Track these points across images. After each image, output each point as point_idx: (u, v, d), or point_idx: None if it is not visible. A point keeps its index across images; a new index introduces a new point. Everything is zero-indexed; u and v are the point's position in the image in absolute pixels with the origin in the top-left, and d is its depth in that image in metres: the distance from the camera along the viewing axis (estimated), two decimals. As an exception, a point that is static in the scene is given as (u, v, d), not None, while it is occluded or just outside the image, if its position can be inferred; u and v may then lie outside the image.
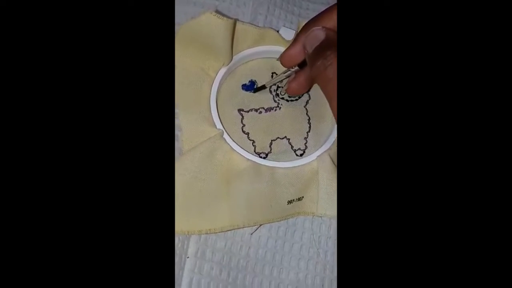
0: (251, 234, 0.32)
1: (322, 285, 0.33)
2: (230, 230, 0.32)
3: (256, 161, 0.33)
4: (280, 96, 0.37)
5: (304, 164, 0.33)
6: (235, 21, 0.34)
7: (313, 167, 0.33)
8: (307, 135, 0.36)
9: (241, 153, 0.33)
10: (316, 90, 0.38)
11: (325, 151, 0.34)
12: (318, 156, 0.34)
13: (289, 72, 0.33)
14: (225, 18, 0.32)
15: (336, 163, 0.34)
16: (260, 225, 0.32)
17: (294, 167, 0.33)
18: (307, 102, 0.38)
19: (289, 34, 0.37)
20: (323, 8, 0.41)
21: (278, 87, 0.38)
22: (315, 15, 0.36)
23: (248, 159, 0.33)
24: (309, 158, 0.34)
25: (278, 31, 0.37)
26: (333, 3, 0.41)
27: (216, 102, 0.35)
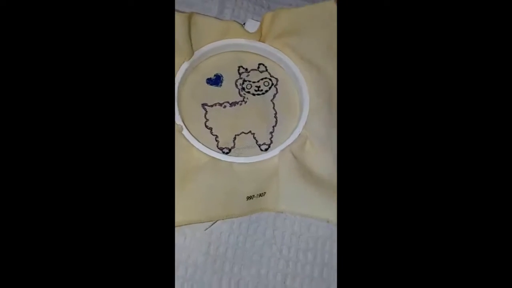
0: (205, 230, 0.30)
1: (284, 282, 0.30)
2: (183, 225, 0.30)
3: (216, 157, 0.31)
4: (246, 90, 0.35)
5: (265, 160, 0.31)
6: (190, 14, 0.32)
7: (275, 163, 0.31)
8: (273, 129, 0.34)
9: (200, 149, 0.31)
10: (284, 83, 0.35)
11: (287, 146, 0.31)
12: (280, 151, 0.31)
13: None
14: (177, 13, 0.30)
15: (298, 158, 0.31)
16: (216, 221, 0.30)
17: (255, 162, 0.31)
18: (274, 95, 0.35)
19: (254, 27, 0.35)
20: (294, 3, 0.39)
21: (244, 80, 0.35)
22: (288, 8, 0.34)
23: (207, 155, 0.30)
24: (271, 153, 0.31)
25: (244, 24, 0.35)
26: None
27: (179, 97, 0.33)
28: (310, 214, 0.30)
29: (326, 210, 0.29)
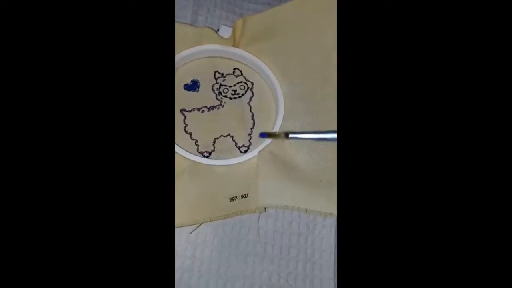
0: (190, 233, 0.30)
1: (270, 279, 0.31)
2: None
3: (196, 160, 0.31)
4: (223, 94, 0.36)
5: (245, 161, 0.32)
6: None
7: (254, 164, 0.32)
8: (251, 131, 0.35)
9: (181, 153, 0.31)
10: (259, 87, 0.36)
11: (265, 146, 0.32)
12: (259, 151, 0.32)
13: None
14: None
15: (277, 156, 0.32)
16: (201, 223, 0.30)
17: (235, 164, 0.31)
18: (250, 98, 0.36)
19: (227, 32, 0.36)
20: (264, 9, 0.40)
21: (221, 85, 0.36)
22: (255, 14, 0.35)
23: (187, 159, 0.31)
24: (251, 154, 0.32)
25: (217, 30, 0.36)
26: (274, 4, 0.40)
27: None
28: (292, 205, 0.30)
29: (308, 201, 0.30)
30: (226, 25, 0.37)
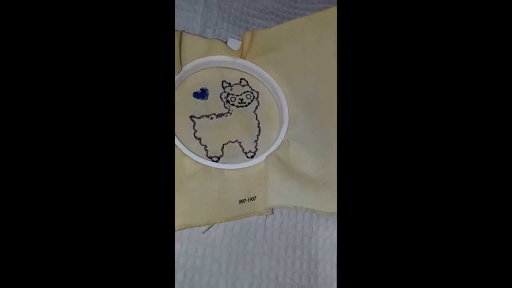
0: (203, 233, 0.31)
1: (276, 278, 0.32)
2: (182, 229, 0.31)
3: (207, 164, 0.32)
4: (231, 103, 0.37)
5: (253, 165, 0.33)
6: (181, 33, 0.34)
7: (261, 169, 0.33)
8: (257, 138, 0.36)
9: (192, 157, 0.32)
10: (265, 96, 0.38)
11: (272, 152, 0.34)
12: (266, 156, 0.34)
13: None
14: None
15: (283, 161, 0.34)
16: (213, 224, 0.31)
17: (244, 168, 0.33)
18: (256, 107, 0.38)
19: (236, 45, 0.37)
20: (268, 23, 0.42)
21: (228, 94, 0.38)
22: (260, 28, 0.37)
23: (199, 163, 0.32)
24: (259, 159, 0.34)
25: (226, 42, 0.38)
26: (278, 20, 0.42)
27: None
28: (299, 206, 0.32)
29: (314, 202, 0.32)
30: (233, 37, 0.39)
